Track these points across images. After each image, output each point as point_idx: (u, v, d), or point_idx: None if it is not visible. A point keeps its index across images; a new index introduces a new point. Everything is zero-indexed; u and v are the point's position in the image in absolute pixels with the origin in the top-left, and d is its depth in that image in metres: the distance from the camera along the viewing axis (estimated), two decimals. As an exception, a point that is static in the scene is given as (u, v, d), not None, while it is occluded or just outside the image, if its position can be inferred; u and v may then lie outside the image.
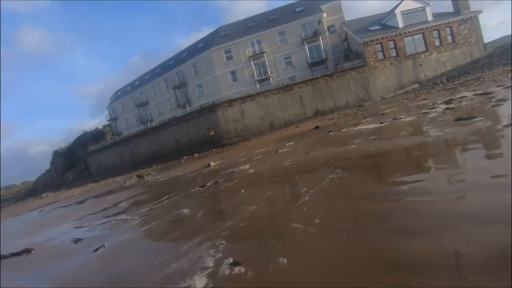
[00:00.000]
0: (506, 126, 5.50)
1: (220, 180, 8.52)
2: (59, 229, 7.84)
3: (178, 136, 31.15)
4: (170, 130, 31.62)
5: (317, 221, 3.38)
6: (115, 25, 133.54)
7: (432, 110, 10.91)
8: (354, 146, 7.97)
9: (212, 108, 28.09)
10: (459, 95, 13.47)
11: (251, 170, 8.94)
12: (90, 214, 9.12)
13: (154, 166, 28.79)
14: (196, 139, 29.63)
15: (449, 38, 27.95)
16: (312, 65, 31.26)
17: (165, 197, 8.27)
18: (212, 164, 14.11)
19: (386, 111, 15.56)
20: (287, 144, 13.71)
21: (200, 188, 8.07)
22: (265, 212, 4.38)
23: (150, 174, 20.20)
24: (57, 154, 50.28)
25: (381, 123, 11.29)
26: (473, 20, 28.07)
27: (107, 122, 46.77)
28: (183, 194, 8.15)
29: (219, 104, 27.82)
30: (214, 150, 26.40)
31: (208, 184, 8.40)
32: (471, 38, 27.98)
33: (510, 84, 11.89)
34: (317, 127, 17.83)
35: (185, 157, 27.88)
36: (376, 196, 3.73)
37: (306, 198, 4.41)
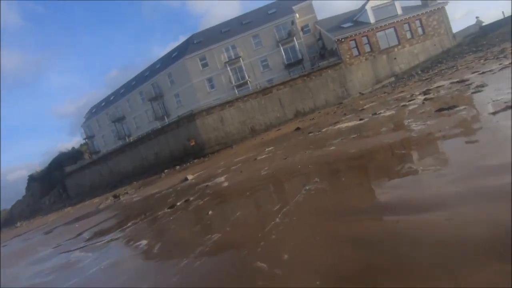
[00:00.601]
0: (494, 113, 4.96)
1: (191, 198, 7.65)
2: None
3: (158, 150, 29.87)
4: (149, 144, 30.30)
5: (286, 257, 2.62)
6: (89, 40, 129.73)
7: (411, 102, 10.48)
8: (333, 147, 7.32)
9: (190, 117, 27.08)
10: (436, 84, 13.21)
11: (226, 183, 8.12)
12: (48, 248, 8.01)
13: (134, 183, 27.43)
14: (177, 150, 28.46)
15: (420, 30, 28.26)
16: (289, 66, 30.86)
17: (130, 223, 7.31)
18: (190, 177, 13.18)
19: (365, 107, 15.16)
20: (266, 149, 12.99)
21: (169, 210, 7.16)
22: (228, 243, 3.57)
23: (127, 193, 18.97)
24: (32, 179, 47.62)
25: (361, 119, 10.76)
26: (440, 12, 28.55)
27: (84, 141, 44.70)
28: (150, 217, 7.22)
29: (197, 113, 26.84)
30: (195, 161, 25.41)
31: (178, 203, 7.51)
32: (440, 29, 28.41)
33: (483, 70, 11.68)
34: (298, 129, 17.26)
35: (166, 170, 26.71)
36: (358, 213, 3.01)
37: (277, 220, 3.65)
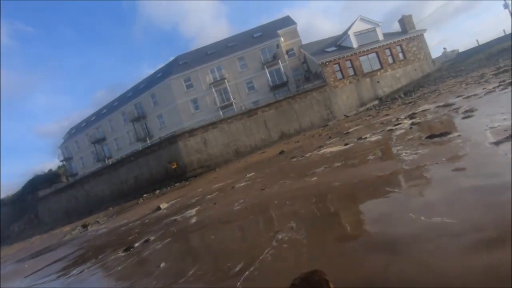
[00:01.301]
0: (496, 143, 4.24)
1: (152, 238, 6.49)
2: None
3: (138, 172, 28.32)
4: (129, 167, 28.75)
5: None
6: (77, 61, 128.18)
7: (397, 126, 9.90)
8: (315, 178, 6.44)
9: (172, 139, 25.98)
10: (421, 108, 12.84)
11: (195, 219, 7.03)
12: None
13: (110, 208, 25.64)
14: (158, 173, 27.02)
15: (400, 55, 28.90)
16: (274, 88, 30.69)
17: (74, 271, 6.04)
18: (163, 207, 11.94)
19: (350, 130, 14.60)
20: (247, 175, 12.01)
21: (123, 254, 5.97)
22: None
23: (97, 221, 17.32)
24: (3, 203, 44.37)
25: (346, 144, 10.04)
26: (419, 38, 29.45)
27: (61, 163, 42.41)
28: (100, 263, 5.99)
29: (179, 134, 25.81)
30: (177, 184, 24.08)
31: (137, 244, 6.33)
32: (420, 54, 29.16)
33: (468, 94, 11.37)
34: (282, 152, 16.45)
35: (145, 195, 25.16)
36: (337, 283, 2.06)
37: (235, 291, 2.64)
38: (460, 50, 33.41)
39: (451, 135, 5.82)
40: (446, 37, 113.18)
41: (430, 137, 6.26)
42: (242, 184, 10.02)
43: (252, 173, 12.10)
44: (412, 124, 9.22)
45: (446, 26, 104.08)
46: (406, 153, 5.72)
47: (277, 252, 3.21)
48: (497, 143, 4.23)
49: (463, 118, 7.17)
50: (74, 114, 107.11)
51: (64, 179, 43.67)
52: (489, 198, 2.73)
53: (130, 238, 7.64)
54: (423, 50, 29.30)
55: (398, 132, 8.67)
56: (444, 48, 31.58)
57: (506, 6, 28.49)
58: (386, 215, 3.24)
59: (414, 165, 4.70)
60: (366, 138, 9.99)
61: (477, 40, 32.56)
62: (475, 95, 10.68)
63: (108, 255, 6.36)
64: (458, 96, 11.89)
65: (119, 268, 4.96)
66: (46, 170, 48.77)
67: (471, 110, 7.69)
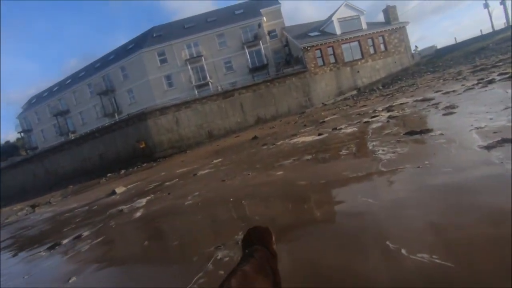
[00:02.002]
0: (487, 148, 3.58)
1: (85, 233, 5.44)
2: None
3: (103, 150, 26.36)
4: (93, 143, 26.65)
5: None
6: (46, 25, 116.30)
7: (374, 118, 9.30)
8: (281, 172, 5.64)
9: (141, 116, 24.19)
10: (398, 101, 12.37)
11: (140, 212, 6.04)
12: None
13: (71, 187, 23.84)
14: (125, 152, 25.29)
15: (382, 47, 28.49)
16: (254, 70, 29.36)
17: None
18: (118, 191, 10.77)
19: (326, 119, 13.96)
20: (214, 161, 11.06)
21: (44, 253, 4.89)
22: None
23: (49, 202, 15.74)
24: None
25: (319, 134, 9.33)
26: (401, 30, 29.10)
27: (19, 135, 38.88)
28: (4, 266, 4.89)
29: (149, 112, 24.06)
30: (144, 165, 22.65)
31: (66, 241, 5.27)
32: (401, 47, 28.93)
33: (447, 90, 10.98)
34: (255, 137, 15.59)
35: (109, 174, 23.54)
36: None
37: None
38: (438, 47, 33.68)
39: (432, 133, 5.19)
40: (423, 35, 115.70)
41: (410, 133, 5.61)
42: (205, 172, 9.07)
43: (220, 159, 11.16)
44: (390, 117, 8.63)
45: (423, 25, 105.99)
46: (383, 150, 5.02)
47: (210, 281, 2.35)
48: (488, 148, 3.57)
49: (444, 114, 6.61)
50: (42, 83, 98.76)
51: (24, 153, 40.32)
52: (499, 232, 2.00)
53: (65, 230, 6.52)
54: (404, 43, 29.07)
55: (374, 125, 8.04)
56: (416, 47, 31.56)
57: (485, 5, 28.67)
58: (353, 241, 2.45)
59: (392, 167, 3.99)
60: (341, 129, 9.33)
61: (455, 38, 32.88)
62: (454, 91, 10.28)
63: (29, 252, 5.26)
64: (437, 91, 11.49)
65: (24, 277, 3.91)
66: (3, 142, 44.81)
67: (452, 107, 7.15)
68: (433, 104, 8.55)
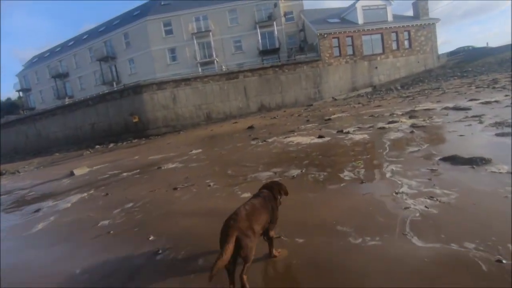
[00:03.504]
0: None
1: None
2: None
3: (95, 120, 24.73)
4: (86, 111, 25.01)
5: None
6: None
7: (392, 125, 7.25)
8: (248, 194, 3.75)
9: (137, 89, 22.32)
10: (421, 106, 10.21)
11: (47, 222, 4.26)
12: None
13: (57, 154, 22.42)
14: (117, 125, 23.63)
15: (406, 43, 25.69)
16: (264, 53, 26.92)
17: None
18: (77, 173, 9.08)
19: (333, 116, 11.91)
20: (192, 151, 9.23)
21: None
22: None
23: (18, 171, 14.19)
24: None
25: (320, 137, 7.35)
26: (430, 28, 26.14)
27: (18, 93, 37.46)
28: None
29: (146, 85, 22.16)
30: (135, 141, 21.03)
31: None
32: (427, 46, 26.07)
33: (486, 99, 8.78)
34: (250, 127, 13.70)
35: (97, 146, 22.06)
36: None
37: None
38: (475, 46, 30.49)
39: (491, 166, 3.20)
40: (448, 39, 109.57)
41: (452, 160, 3.62)
42: (172, 166, 7.24)
43: (200, 150, 9.31)
44: (413, 126, 6.57)
45: (450, 28, 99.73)
46: (408, 186, 3.08)
47: None
48: None
49: (498, 135, 4.56)
50: (55, 43, 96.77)
51: (22, 112, 39.10)
52: None
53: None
54: (431, 42, 26.16)
55: (393, 135, 6.02)
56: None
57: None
58: None
59: (432, 239, 2.06)
60: (348, 132, 7.32)
61: (487, 43, 29.67)
62: (496, 101, 8.11)
63: None
64: (472, 100, 9.29)
65: None
66: (5, 99, 43.68)
67: (507, 124, 5.08)
68: (473, 117, 6.44)
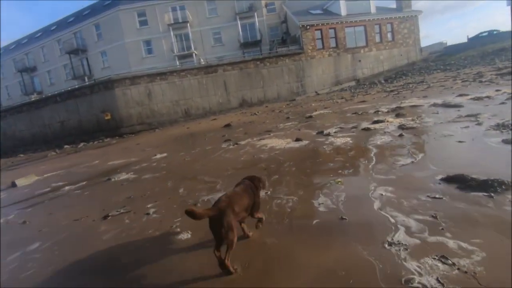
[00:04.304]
0: None
1: None
2: None
3: (65, 117, 22.86)
4: (54, 108, 23.06)
5: None
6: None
7: (378, 125, 6.36)
8: (188, 236, 2.69)
9: (108, 84, 20.63)
10: (408, 101, 9.42)
11: None
12: None
13: (21, 155, 20.54)
14: (88, 122, 21.90)
15: (389, 36, 25.08)
16: (245, 46, 25.63)
17: None
18: (22, 183, 7.75)
19: (315, 113, 10.98)
20: (156, 156, 8.06)
21: None
22: None
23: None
24: None
25: (297, 140, 6.36)
26: (413, 20, 25.61)
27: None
28: None
29: (117, 80, 20.51)
30: (107, 140, 19.47)
31: None
32: (410, 39, 25.57)
33: (477, 95, 8.05)
34: (227, 125, 12.62)
35: (66, 146, 20.32)
36: None
37: None
38: (448, 44, 30.40)
39: (508, 195, 2.29)
40: (428, 33, 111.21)
41: (460, 184, 2.69)
42: (125, 176, 6.09)
43: (164, 154, 8.16)
44: (402, 127, 5.69)
45: (430, 22, 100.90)
46: (406, 230, 2.12)
47: None
48: None
49: (506, 142, 3.70)
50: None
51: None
52: None
53: None
54: (414, 34, 25.68)
55: (379, 139, 5.10)
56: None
57: (509, 3, 25.22)
58: None
59: None
60: (329, 134, 6.37)
61: (467, 36, 29.64)
62: (488, 97, 7.37)
63: None
64: (461, 95, 8.55)
65: None
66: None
67: (506, 126, 4.24)
68: (468, 116, 5.62)
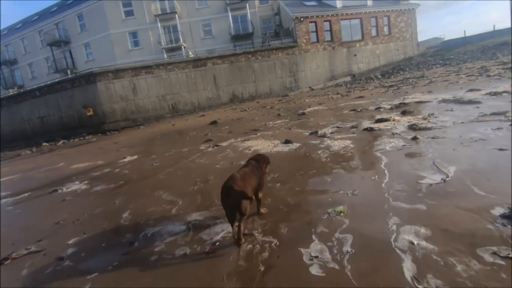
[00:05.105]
0: None
1: None
2: None
3: (45, 113, 21.37)
4: (34, 103, 21.54)
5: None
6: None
7: (381, 124, 5.28)
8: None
9: (90, 78, 19.17)
10: (410, 97, 8.37)
11: None
12: None
13: (-3, 154, 19.00)
14: (69, 118, 20.46)
15: (386, 29, 24.00)
16: (236, 38, 24.28)
17: None
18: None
19: (308, 110, 9.88)
20: (125, 159, 6.88)
21: None
22: None
23: None
24: None
25: (286, 142, 5.24)
26: (410, 13, 24.55)
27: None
28: None
29: (100, 73, 19.06)
30: (89, 137, 18.08)
31: None
32: (407, 33, 24.54)
33: (493, 90, 7.03)
34: (214, 122, 11.46)
35: (45, 144, 18.85)
36: None
37: None
38: (446, 39, 29.49)
39: None
40: (423, 29, 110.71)
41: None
42: (75, 187, 4.91)
43: (135, 157, 6.98)
44: (413, 127, 4.60)
45: (425, 18, 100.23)
46: None
47: None
48: None
49: None
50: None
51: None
52: None
53: None
54: (411, 28, 24.65)
55: (388, 143, 4.01)
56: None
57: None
58: None
59: None
60: (324, 135, 5.28)
61: (464, 31, 28.79)
62: (506, 92, 6.34)
63: None
64: (471, 90, 7.52)
65: None
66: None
67: None
68: (494, 114, 4.56)
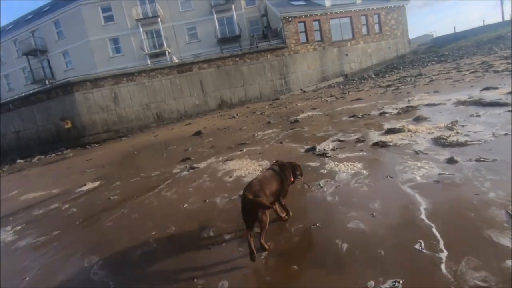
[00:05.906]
0: None
1: None
2: None
3: (21, 127, 19.77)
4: (8, 117, 19.92)
5: None
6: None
7: (395, 136, 4.17)
8: None
9: (67, 88, 17.71)
10: (416, 99, 7.32)
11: None
12: None
13: (-35, 174, 17.34)
14: (47, 132, 18.92)
15: (376, 27, 23.21)
16: (222, 41, 23.13)
17: None
18: None
19: (301, 116, 8.77)
20: (85, 186, 5.62)
21: None
22: None
23: None
24: None
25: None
26: (400, 10, 23.85)
27: None
28: None
29: (77, 82, 17.63)
30: (67, 151, 16.62)
31: None
32: (398, 30, 23.80)
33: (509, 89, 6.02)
34: (198, 133, 10.22)
35: (20, 161, 17.32)
36: None
37: None
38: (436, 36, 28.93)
39: None
40: (410, 26, 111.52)
41: None
42: (40, 212, 3.65)
43: (97, 184, 5.73)
44: (442, 143, 3.50)
45: (412, 16, 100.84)
46: None
47: None
48: None
49: None
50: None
51: None
52: None
53: None
54: (402, 26, 23.94)
55: (414, 169, 2.90)
56: None
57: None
58: None
59: None
60: (325, 154, 4.13)
61: (454, 27, 28.25)
62: (534, 91, 5.34)
63: None
64: (487, 88, 6.51)
65: None
66: None
67: None
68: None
